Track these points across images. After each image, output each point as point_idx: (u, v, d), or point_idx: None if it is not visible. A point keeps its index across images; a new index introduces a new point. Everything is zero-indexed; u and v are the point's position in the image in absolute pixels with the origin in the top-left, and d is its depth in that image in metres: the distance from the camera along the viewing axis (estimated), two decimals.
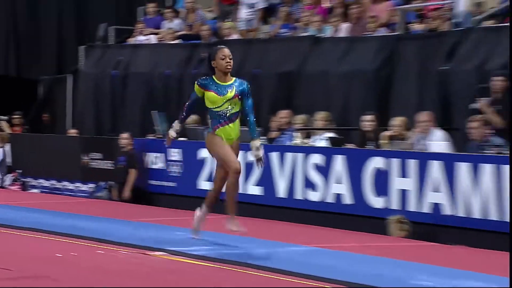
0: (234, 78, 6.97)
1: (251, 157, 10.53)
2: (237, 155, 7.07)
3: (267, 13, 14.22)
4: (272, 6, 14.38)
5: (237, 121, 7.00)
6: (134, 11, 16.63)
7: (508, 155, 8.07)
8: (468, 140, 9.31)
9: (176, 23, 15.02)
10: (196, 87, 6.96)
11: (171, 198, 11.94)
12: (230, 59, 6.90)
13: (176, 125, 7.20)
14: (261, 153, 6.96)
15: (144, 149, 12.48)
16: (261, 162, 7.01)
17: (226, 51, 6.93)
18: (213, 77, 6.93)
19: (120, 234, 8.17)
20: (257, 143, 6.95)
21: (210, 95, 6.86)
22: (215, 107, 6.90)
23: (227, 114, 6.91)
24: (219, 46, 7.20)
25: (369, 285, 5.55)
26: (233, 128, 6.96)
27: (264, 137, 11.20)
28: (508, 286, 4.26)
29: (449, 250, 7.89)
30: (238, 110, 6.94)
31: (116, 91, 14.56)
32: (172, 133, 7.23)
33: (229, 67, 6.88)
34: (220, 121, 6.92)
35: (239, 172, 7.12)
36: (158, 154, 12.19)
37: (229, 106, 6.88)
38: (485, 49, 10.08)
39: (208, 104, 6.94)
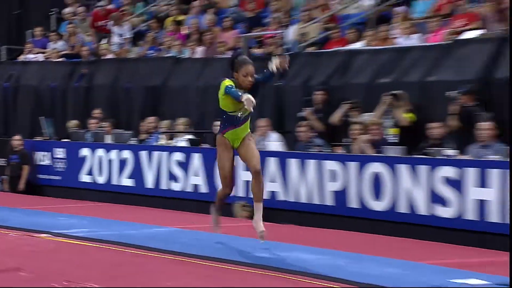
0: None
1: (125, 155, 10.59)
2: (254, 147, 5.89)
3: (137, 38, 14.03)
4: (141, 32, 14.21)
5: (248, 122, 5.86)
6: (23, 34, 15.91)
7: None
8: (297, 141, 9.51)
9: (60, 44, 14.48)
10: (228, 80, 5.63)
11: (57, 189, 11.59)
12: (252, 76, 5.66)
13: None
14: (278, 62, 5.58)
15: (33, 148, 12.03)
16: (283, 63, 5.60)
17: (251, 68, 5.68)
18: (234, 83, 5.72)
19: (11, 219, 7.81)
20: (272, 61, 5.61)
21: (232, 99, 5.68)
22: (231, 111, 5.70)
23: (241, 118, 5.75)
24: (244, 60, 5.75)
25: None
26: (243, 129, 5.82)
27: (135, 139, 11.07)
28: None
29: (282, 228, 8.01)
30: (249, 112, 5.70)
31: (8, 100, 13.87)
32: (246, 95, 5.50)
33: (249, 86, 5.67)
34: (232, 124, 5.75)
35: (229, 194, 6.23)
36: (46, 153, 11.80)
37: (243, 110, 5.69)
38: (308, 70, 10.34)
39: (226, 106, 5.70)
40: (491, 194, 7.03)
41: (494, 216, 6.99)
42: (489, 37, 8.89)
